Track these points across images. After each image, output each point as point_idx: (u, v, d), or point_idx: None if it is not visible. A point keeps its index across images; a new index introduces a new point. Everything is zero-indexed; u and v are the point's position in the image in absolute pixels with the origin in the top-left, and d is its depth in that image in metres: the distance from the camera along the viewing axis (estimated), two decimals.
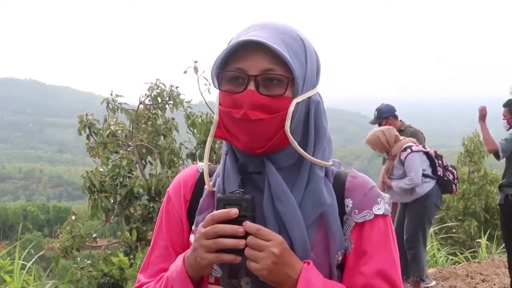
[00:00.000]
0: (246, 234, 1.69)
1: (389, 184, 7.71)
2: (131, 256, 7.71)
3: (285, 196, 1.78)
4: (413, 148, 7.61)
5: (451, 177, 7.86)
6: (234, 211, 1.70)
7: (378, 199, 1.88)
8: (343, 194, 1.87)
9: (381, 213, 1.86)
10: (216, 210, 1.74)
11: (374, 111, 9.03)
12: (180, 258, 1.84)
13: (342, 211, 1.86)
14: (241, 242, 1.68)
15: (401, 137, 7.89)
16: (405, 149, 7.62)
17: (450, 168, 7.91)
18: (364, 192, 1.88)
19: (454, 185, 7.91)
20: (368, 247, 1.84)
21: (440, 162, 7.82)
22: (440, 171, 7.76)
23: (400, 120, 8.92)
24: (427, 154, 7.72)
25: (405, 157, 7.59)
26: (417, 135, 8.63)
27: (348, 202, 1.87)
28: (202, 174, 1.96)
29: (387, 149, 7.79)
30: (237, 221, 1.69)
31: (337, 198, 1.86)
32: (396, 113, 8.95)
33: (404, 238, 7.80)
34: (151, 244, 2.04)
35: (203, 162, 1.99)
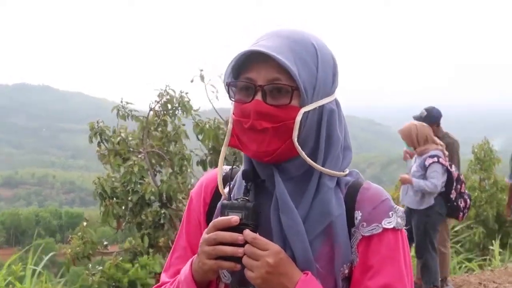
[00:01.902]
0: (246, 242, 1.71)
1: (410, 179, 7.65)
2: (135, 262, 7.71)
3: (287, 208, 1.78)
4: (440, 160, 7.55)
5: (462, 204, 7.80)
6: (234, 219, 1.72)
7: (390, 213, 1.84)
8: (354, 206, 1.85)
9: (391, 227, 1.82)
10: (220, 216, 1.77)
11: (423, 110, 8.79)
12: (188, 263, 1.87)
13: (351, 224, 1.84)
14: (240, 250, 1.70)
15: (436, 141, 7.80)
16: (432, 156, 7.56)
17: (465, 196, 7.84)
18: (374, 205, 1.84)
19: (462, 213, 7.85)
20: (375, 262, 1.81)
21: (458, 186, 7.77)
22: (453, 195, 7.72)
23: (438, 128, 8.71)
24: (449, 172, 7.67)
25: (430, 164, 7.53)
26: (452, 146, 8.51)
27: (357, 215, 1.84)
28: (223, 178, 1.97)
29: (414, 145, 7.70)
30: (238, 228, 1.71)
31: (347, 210, 1.84)
32: (432, 120, 8.71)
33: (414, 246, 7.83)
34: (174, 244, 2.08)
35: (226, 166, 2.03)
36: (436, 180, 7.47)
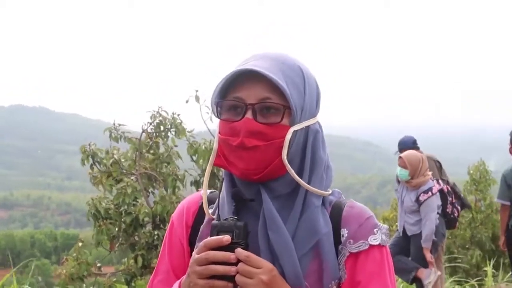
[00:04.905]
0: (238, 261, 1.72)
1: (428, 252, 7.67)
2: (132, 285, 7.70)
3: (276, 226, 1.81)
4: (433, 191, 7.59)
5: (456, 214, 7.90)
6: (226, 238, 1.73)
7: (375, 230, 1.89)
8: (339, 224, 1.89)
9: (377, 243, 1.87)
10: (210, 236, 1.77)
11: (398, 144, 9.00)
12: (176, 284, 1.88)
13: (337, 241, 1.88)
14: (232, 269, 1.71)
15: (429, 172, 7.82)
16: (426, 192, 7.57)
17: (457, 205, 7.94)
18: (359, 222, 1.89)
19: (457, 221, 8.01)
20: (362, 277, 1.85)
21: (450, 199, 7.83)
22: (449, 209, 7.79)
23: (419, 150, 8.79)
24: (441, 192, 7.72)
25: (424, 200, 7.55)
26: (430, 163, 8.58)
27: (344, 232, 1.89)
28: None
29: (415, 175, 7.66)
30: (229, 248, 1.73)
31: (333, 227, 1.88)
32: (413, 145, 8.77)
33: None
34: (155, 267, 2.08)
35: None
36: (429, 222, 7.50)
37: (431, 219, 7.52)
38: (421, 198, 7.57)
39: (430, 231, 7.52)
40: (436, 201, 7.64)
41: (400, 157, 7.80)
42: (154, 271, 2.08)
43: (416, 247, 7.74)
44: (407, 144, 8.81)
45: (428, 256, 7.62)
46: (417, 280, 7.87)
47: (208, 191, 2.05)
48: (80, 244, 7.67)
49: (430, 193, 7.57)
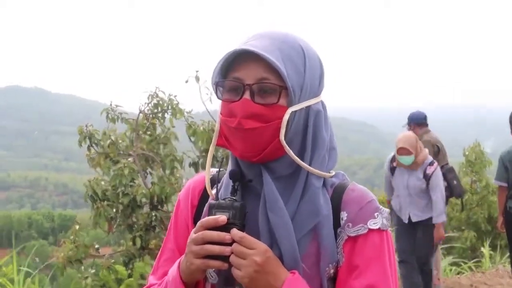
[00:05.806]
0: (233, 241, 1.72)
1: (441, 229, 7.65)
2: (130, 266, 7.70)
3: (276, 207, 1.79)
4: (436, 164, 7.59)
5: (448, 193, 7.91)
6: (222, 218, 1.73)
7: (375, 214, 1.86)
8: (340, 207, 1.87)
9: (377, 227, 1.85)
10: (208, 216, 1.77)
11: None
12: (176, 263, 1.88)
13: (337, 224, 1.86)
14: (227, 249, 1.71)
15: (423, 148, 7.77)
16: (431, 163, 7.54)
17: (445, 182, 7.93)
18: (360, 205, 1.86)
19: (448, 201, 8.02)
20: (360, 262, 1.83)
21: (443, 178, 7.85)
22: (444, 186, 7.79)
23: (427, 128, 8.80)
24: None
25: (432, 172, 7.50)
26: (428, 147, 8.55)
27: (343, 215, 1.86)
28: (210, 180, 1.97)
29: (417, 153, 7.50)
30: (226, 228, 1.72)
31: (333, 210, 1.86)
32: (424, 120, 8.85)
33: (416, 255, 7.76)
34: (162, 246, 2.09)
35: (213, 169, 2.03)
36: (440, 193, 7.49)
37: (442, 190, 7.50)
38: (428, 171, 7.49)
39: (442, 203, 7.49)
40: (440, 173, 7.64)
41: (400, 148, 7.53)
42: (160, 250, 2.09)
43: (425, 234, 7.67)
44: (419, 119, 8.76)
45: (442, 232, 7.61)
46: (424, 274, 7.84)
47: (215, 170, 2.04)
48: (77, 226, 7.67)
49: (435, 165, 7.54)
